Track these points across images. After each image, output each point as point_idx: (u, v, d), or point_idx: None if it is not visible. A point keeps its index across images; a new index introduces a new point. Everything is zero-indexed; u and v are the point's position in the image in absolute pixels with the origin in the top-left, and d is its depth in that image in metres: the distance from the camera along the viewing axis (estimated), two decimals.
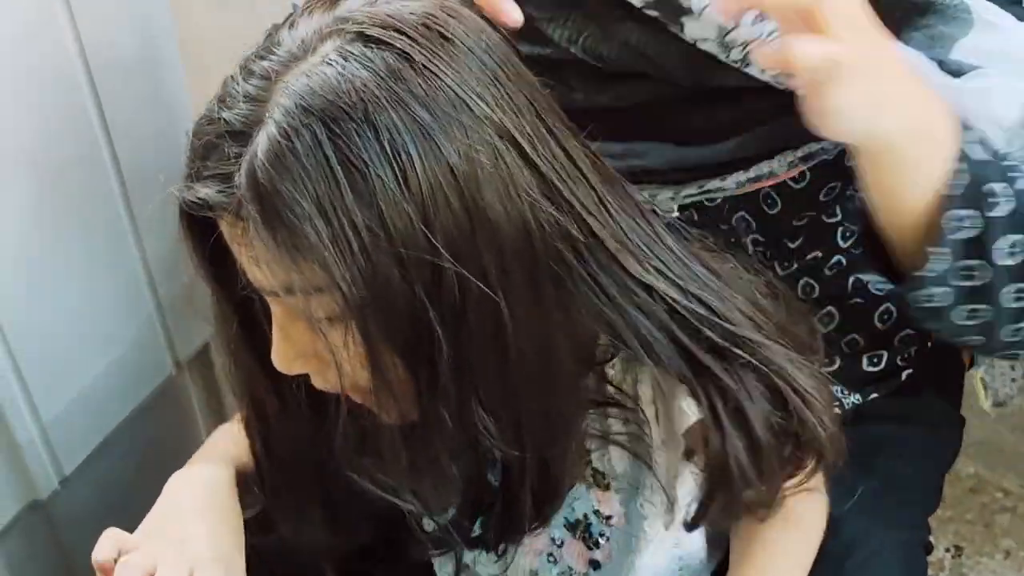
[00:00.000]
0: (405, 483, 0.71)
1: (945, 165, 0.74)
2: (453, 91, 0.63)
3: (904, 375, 1.02)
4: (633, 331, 0.69)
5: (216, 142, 0.65)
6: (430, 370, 0.65)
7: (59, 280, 1.11)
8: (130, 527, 0.80)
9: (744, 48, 0.83)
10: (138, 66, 1.16)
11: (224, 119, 0.64)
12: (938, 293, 0.77)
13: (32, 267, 1.07)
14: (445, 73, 0.63)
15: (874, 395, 1.02)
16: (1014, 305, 0.78)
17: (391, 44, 0.63)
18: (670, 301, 0.70)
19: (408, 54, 0.63)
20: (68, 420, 1.17)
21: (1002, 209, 0.75)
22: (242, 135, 0.64)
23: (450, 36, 0.64)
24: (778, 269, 0.95)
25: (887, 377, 1.02)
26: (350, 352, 0.65)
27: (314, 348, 0.68)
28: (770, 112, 0.86)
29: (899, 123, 0.73)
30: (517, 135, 0.64)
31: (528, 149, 0.65)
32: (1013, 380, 1.02)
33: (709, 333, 0.70)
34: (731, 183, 0.91)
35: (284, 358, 0.69)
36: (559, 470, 0.74)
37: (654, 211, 0.76)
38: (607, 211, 0.69)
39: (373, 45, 0.63)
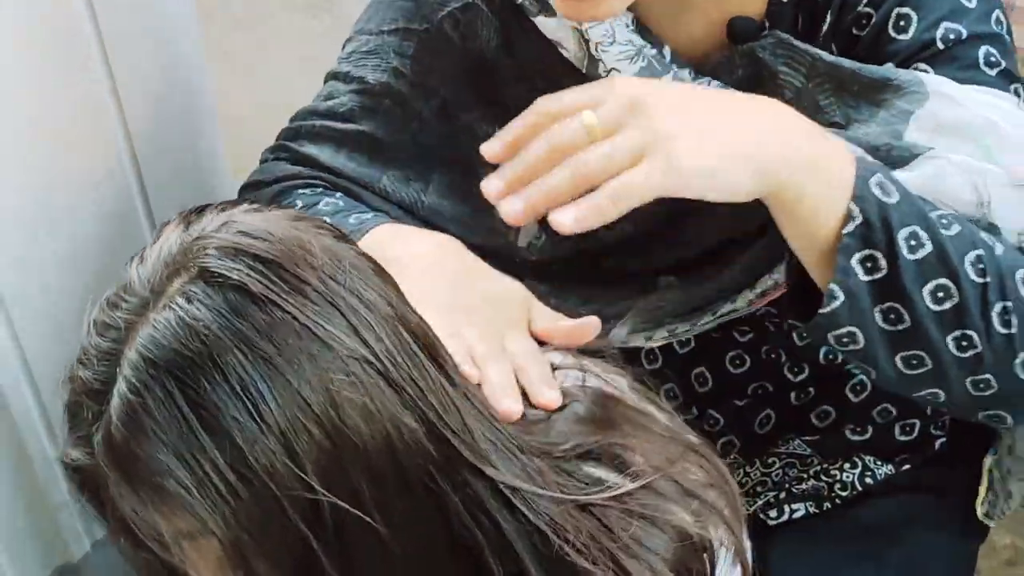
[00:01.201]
0: None
1: (842, 205, 0.74)
2: (297, 320, 0.62)
3: (937, 444, 1.02)
4: (493, 541, 0.67)
5: (79, 401, 0.65)
6: None
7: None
8: None
9: None
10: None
11: (82, 378, 0.65)
12: (858, 334, 0.76)
13: (66, 320, 1.08)
14: (288, 302, 0.63)
15: (907, 466, 1.01)
16: (959, 355, 0.76)
17: (235, 280, 0.63)
18: (523, 515, 0.67)
19: (248, 288, 0.62)
20: None
21: (917, 253, 0.74)
22: (100, 394, 0.64)
23: (289, 263, 0.64)
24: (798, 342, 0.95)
25: (920, 446, 1.01)
26: None
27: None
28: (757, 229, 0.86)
29: (766, 164, 0.72)
30: (370, 355, 0.63)
31: (385, 369, 0.64)
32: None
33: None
34: (741, 303, 0.91)
35: None
36: None
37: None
38: (475, 420, 0.68)
39: (215, 280, 0.63)
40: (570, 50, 0.87)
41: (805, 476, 1.00)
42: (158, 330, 0.62)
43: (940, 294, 0.75)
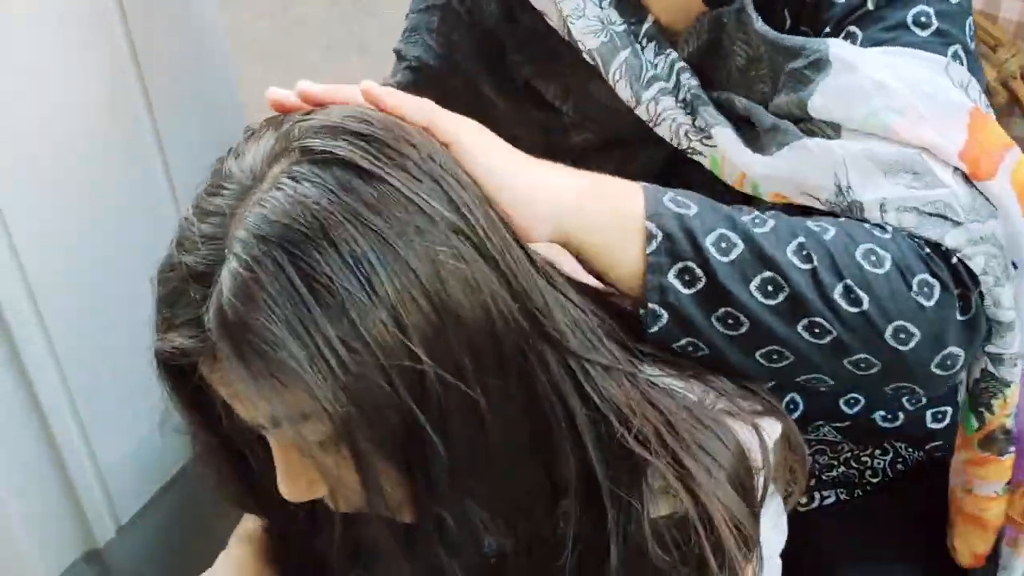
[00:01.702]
0: None
1: (639, 227, 0.74)
2: (403, 194, 0.64)
3: None
4: (565, 425, 0.69)
5: (181, 287, 0.65)
6: (425, 474, 0.65)
7: (122, 328, 1.12)
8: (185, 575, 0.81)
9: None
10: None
11: (186, 263, 0.65)
12: (699, 343, 0.76)
13: (96, 310, 1.08)
14: (393, 176, 0.64)
15: (939, 453, 1.00)
16: (816, 341, 0.76)
17: (336, 155, 0.64)
18: (592, 402, 0.70)
19: (355, 163, 0.64)
20: (126, 468, 1.17)
21: (730, 254, 0.74)
22: (205, 276, 0.64)
23: (391, 140, 0.66)
24: None
25: (951, 434, 1.00)
26: (349, 473, 0.65)
27: (319, 474, 0.68)
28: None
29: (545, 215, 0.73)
30: (469, 231, 0.65)
31: (481, 243, 0.66)
32: None
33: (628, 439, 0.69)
34: None
35: (291, 490, 0.70)
36: (552, 551, 0.74)
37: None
38: (552, 299, 0.70)
39: (319, 160, 0.64)
40: (553, 19, 0.91)
41: (836, 463, 0.99)
42: (267, 207, 0.63)
43: (769, 287, 0.75)
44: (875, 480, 0.99)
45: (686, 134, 0.87)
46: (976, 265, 0.77)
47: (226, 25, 1.25)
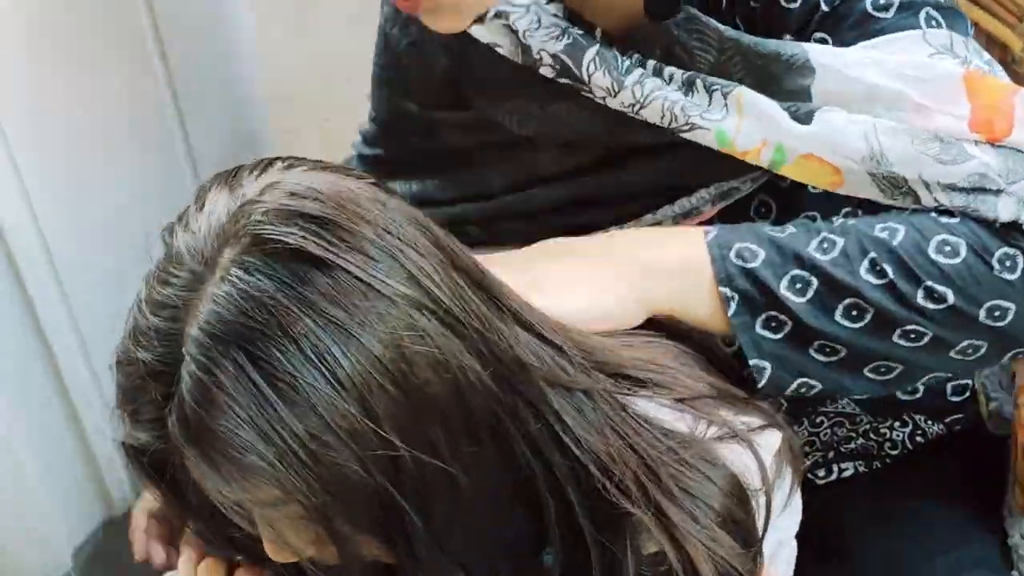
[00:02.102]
0: None
1: (715, 294, 0.78)
2: (360, 280, 0.62)
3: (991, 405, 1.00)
4: (546, 478, 0.68)
5: (141, 384, 0.64)
6: (406, 545, 0.65)
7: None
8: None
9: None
10: None
11: (142, 361, 0.63)
12: (811, 381, 0.79)
13: (119, 285, 1.09)
14: (348, 261, 0.62)
15: (958, 427, 1.00)
16: (914, 344, 0.78)
17: (288, 245, 0.61)
18: (572, 453, 0.68)
19: (308, 252, 0.61)
20: None
21: (807, 294, 0.77)
22: (163, 375, 0.63)
23: (344, 220, 0.63)
24: None
25: (972, 407, 1.00)
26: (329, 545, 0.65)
27: (301, 538, 0.67)
28: (685, 158, 0.88)
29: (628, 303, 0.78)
30: (432, 304, 0.63)
31: (445, 314, 0.63)
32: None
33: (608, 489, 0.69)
34: (663, 215, 0.92)
35: (275, 554, 0.69)
36: None
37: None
38: (528, 351, 0.68)
39: (270, 250, 0.61)
40: (504, 47, 0.89)
41: (854, 435, 0.99)
42: (220, 304, 0.61)
43: (853, 312, 0.77)
44: (894, 452, 0.98)
45: (683, 109, 0.84)
46: None
47: None
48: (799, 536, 0.84)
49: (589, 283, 0.79)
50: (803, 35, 0.83)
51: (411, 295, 0.62)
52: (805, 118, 0.81)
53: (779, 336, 0.78)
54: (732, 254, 0.78)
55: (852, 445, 0.99)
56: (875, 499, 0.97)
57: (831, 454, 0.99)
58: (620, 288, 0.78)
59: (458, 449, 0.64)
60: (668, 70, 0.85)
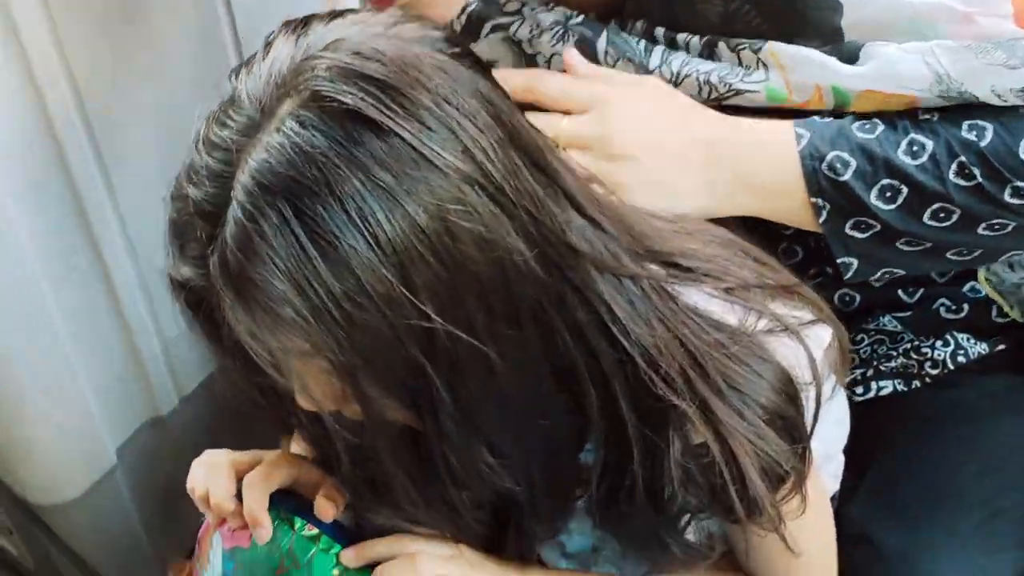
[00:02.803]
0: (421, 519, 0.74)
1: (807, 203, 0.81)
2: (414, 148, 0.61)
3: None
4: (591, 369, 0.68)
5: (188, 220, 0.65)
6: (433, 418, 0.65)
7: None
8: (240, 448, 0.83)
9: None
10: None
11: (192, 198, 0.64)
12: (895, 271, 0.85)
13: (164, 191, 1.09)
14: (404, 128, 0.61)
15: (1001, 346, 0.99)
16: (995, 233, 0.81)
17: (346, 104, 0.61)
18: (620, 344, 0.68)
19: (365, 114, 0.61)
20: (190, 341, 1.19)
21: (896, 201, 0.81)
22: (211, 215, 0.63)
23: (404, 86, 0.62)
24: None
25: (1017, 328, 0.99)
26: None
27: (328, 392, 0.68)
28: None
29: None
30: (484, 180, 0.63)
31: (497, 192, 0.63)
32: None
33: (657, 383, 0.68)
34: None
35: (305, 402, 0.70)
36: (563, 493, 0.75)
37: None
38: (582, 236, 0.67)
39: (328, 108, 0.62)
40: (506, 63, 0.90)
41: (895, 353, 0.98)
42: (271, 155, 0.61)
43: (941, 215, 0.81)
44: (934, 372, 0.98)
45: (720, 78, 0.84)
46: None
47: None
48: None
49: (682, 185, 0.82)
50: None
51: (464, 169, 0.62)
52: (851, 57, 0.81)
53: (867, 235, 0.82)
54: (824, 167, 0.81)
55: (892, 363, 0.98)
56: (913, 418, 0.97)
57: (870, 371, 0.98)
58: (712, 195, 0.82)
59: (496, 330, 0.64)
60: (681, 37, 0.84)
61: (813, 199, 0.81)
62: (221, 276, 0.63)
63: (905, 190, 0.80)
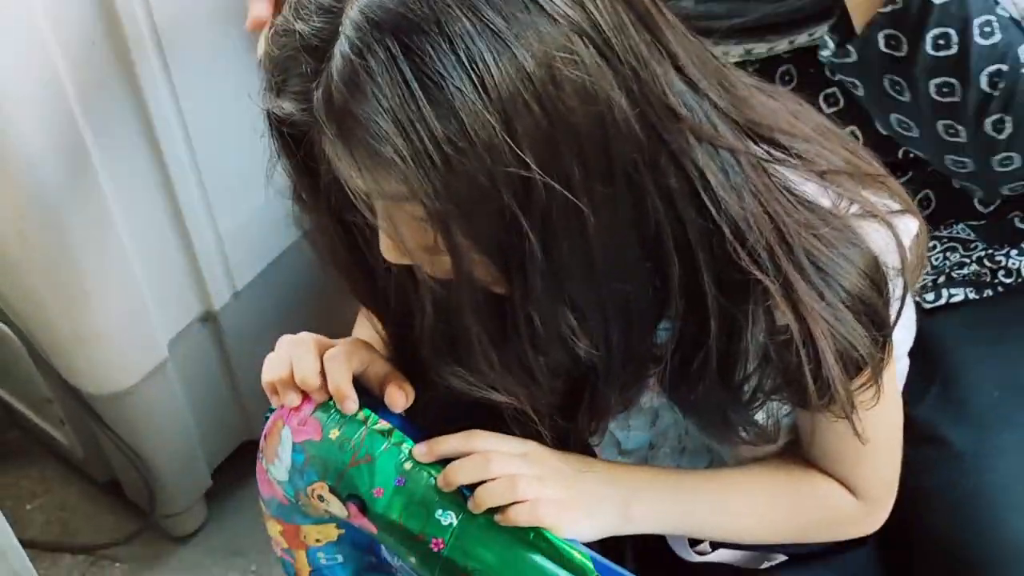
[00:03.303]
0: (497, 383, 0.72)
1: None
2: None
3: None
4: (678, 237, 0.68)
5: (293, 55, 0.64)
6: (522, 275, 0.65)
7: (244, 101, 1.12)
8: None
9: None
10: None
11: (299, 32, 0.64)
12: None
13: (222, 85, 1.08)
14: None
15: None
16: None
17: None
18: (708, 213, 0.67)
19: None
20: (244, 238, 1.19)
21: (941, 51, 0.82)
22: (317, 50, 0.63)
23: None
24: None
25: None
26: (445, 254, 0.65)
27: (417, 241, 0.68)
28: None
29: None
30: (592, 32, 0.62)
31: (604, 45, 0.62)
32: None
33: (742, 256, 0.68)
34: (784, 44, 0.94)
35: (388, 251, 0.70)
36: (640, 363, 0.74)
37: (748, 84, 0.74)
38: (682, 101, 0.66)
39: None
40: None
41: (967, 261, 0.97)
42: None
43: (945, 89, 0.83)
44: (1008, 280, 0.97)
45: None
46: None
47: None
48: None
49: None
50: None
51: (573, 17, 0.62)
52: None
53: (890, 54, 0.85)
54: None
55: (965, 271, 0.98)
56: (984, 325, 0.96)
57: (941, 279, 0.98)
58: None
59: (591, 187, 0.63)
60: None
61: None
62: (324, 111, 0.63)
63: (954, 50, 0.82)
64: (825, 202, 0.72)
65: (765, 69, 0.97)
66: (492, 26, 0.60)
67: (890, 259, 0.72)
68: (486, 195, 0.62)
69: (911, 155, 0.94)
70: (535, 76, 0.60)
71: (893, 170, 0.96)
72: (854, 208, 0.72)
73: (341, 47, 0.62)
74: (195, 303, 1.20)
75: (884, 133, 0.92)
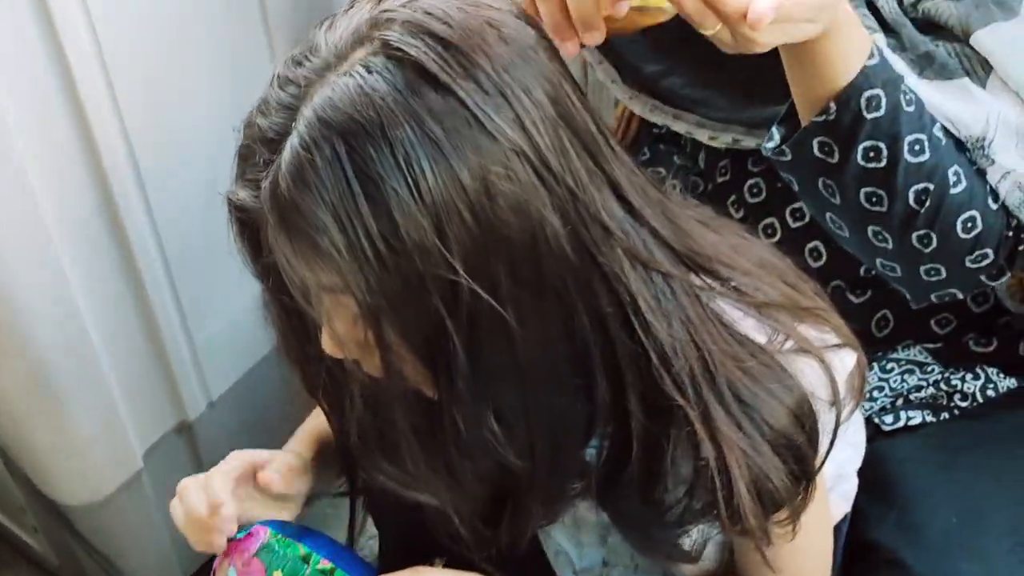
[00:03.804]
0: (422, 482, 0.74)
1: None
2: (468, 108, 0.64)
3: None
4: (605, 357, 0.69)
5: (252, 147, 0.68)
6: (448, 377, 0.67)
7: (222, 209, 1.14)
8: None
9: None
10: None
11: (259, 126, 0.67)
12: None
13: (195, 199, 1.10)
14: (461, 88, 0.64)
15: None
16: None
17: (414, 57, 0.64)
18: (637, 337, 0.69)
19: (428, 69, 0.64)
20: (219, 347, 1.20)
21: (876, 162, 0.84)
22: (273, 143, 0.66)
23: (468, 48, 0.65)
24: None
25: None
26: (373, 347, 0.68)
27: (351, 335, 0.70)
28: None
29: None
30: (531, 152, 0.65)
31: (542, 165, 0.65)
32: None
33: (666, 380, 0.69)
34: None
35: (327, 344, 0.72)
36: (564, 477, 0.75)
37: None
38: (620, 226, 0.68)
39: (395, 56, 0.65)
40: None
41: (924, 384, 0.98)
42: (336, 92, 0.64)
43: (874, 199, 0.85)
44: (963, 404, 0.98)
45: None
46: None
47: None
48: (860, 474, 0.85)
49: None
50: None
51: (512, 137, 0.64)
52: (934, 74, 0.87)
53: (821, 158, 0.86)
54: (865, 95, 0.82)
55: (922, 394, 0.98)
56: (942, 448, 0.96)
57: (900, 401, 0.99)
58: None
59: (519, 297, 0.65)
60: None
61: (833, 103, 0.81)
62: (270, 199, 0.66)
63: (883, 163, 0.83)
64: (760, 337, 0.73)
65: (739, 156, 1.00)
66: (432, 135, 0.63)
67: (823, 393, 0.73)
68: (416, 294, 0.64)
69: (872, 273, 0.95)
70: (469, 187, 0.63)
71: (852, 288, 0.99)
72: (788, 344, 0.73)
73: (292, 141, 0.65)
74: (170, 414, 1.20)
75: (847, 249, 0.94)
